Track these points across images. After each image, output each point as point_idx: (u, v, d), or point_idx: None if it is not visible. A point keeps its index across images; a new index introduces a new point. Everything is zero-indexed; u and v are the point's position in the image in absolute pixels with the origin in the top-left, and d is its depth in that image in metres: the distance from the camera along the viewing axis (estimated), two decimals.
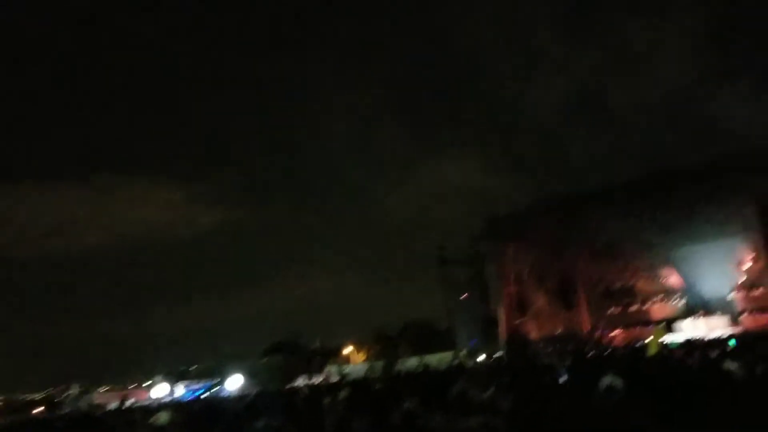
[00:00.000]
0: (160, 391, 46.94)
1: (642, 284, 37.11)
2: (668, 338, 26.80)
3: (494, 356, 34.09)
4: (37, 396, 58.48)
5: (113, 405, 35.50)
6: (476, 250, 40.34)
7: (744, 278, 33.18)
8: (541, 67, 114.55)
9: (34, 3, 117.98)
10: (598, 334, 35.35)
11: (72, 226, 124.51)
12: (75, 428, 15.04)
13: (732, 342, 17.85)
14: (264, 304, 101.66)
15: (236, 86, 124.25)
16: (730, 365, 8.45)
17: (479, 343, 38.24)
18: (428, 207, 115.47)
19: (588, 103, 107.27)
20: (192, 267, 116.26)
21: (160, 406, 21.82)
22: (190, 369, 56.28)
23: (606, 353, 19.68)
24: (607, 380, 6.06)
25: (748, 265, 33.18)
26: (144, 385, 56.58)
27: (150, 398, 44.74)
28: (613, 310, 36.93)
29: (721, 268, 33.12)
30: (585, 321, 37.73)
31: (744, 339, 19.58)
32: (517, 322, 37.47)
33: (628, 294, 37.30)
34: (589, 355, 18.82)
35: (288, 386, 35.41)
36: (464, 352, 38.19)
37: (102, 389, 58.49)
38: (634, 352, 18.98)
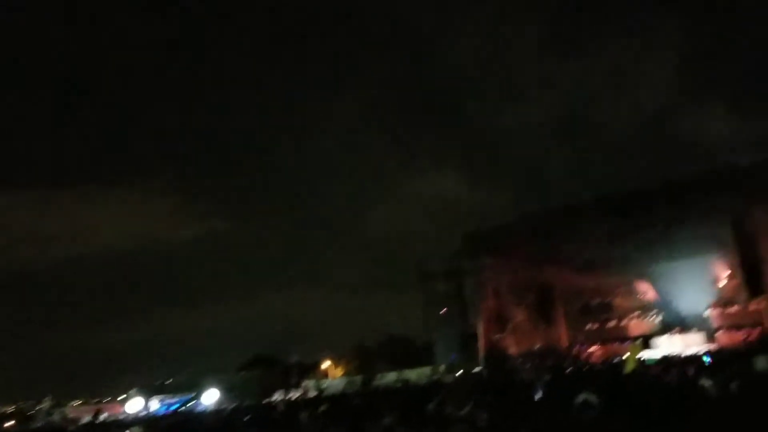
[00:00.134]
0: (135, 405, 46.26)
1: (619, 300, 37.33)
2: (645, 354, 26.97)
3: (473, 371, 34.06)
4: (9, 409, 57.27)
5: (86, 419, 34.87)
6: (456, 265, 40.36)
7: (719, 295, 33.54)
8: (523, 84, 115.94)
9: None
10: (576, 349, 35.51)
11: (54, 237, 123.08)
12: None
13: (706, 358, 18.05)
14: (243, 318, 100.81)
15: (221, 100, 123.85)
16: (705, 382, 8.54)
17: (458, 358, 38.13)
18: (410, 221, 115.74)
19: (569, 120, 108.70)
20: (172, 279, 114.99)
21: (134, 420, 21.51)
22: (167, 382, 55.48)
23: (584, 369, 19.78)
24: (582, 397, 6.09)
25: (723, 282, 33.50)
26: (118, 399, 55.73)
27: (124, 412, 44.07)
28: (591, 325, 37.08)
29: (697, 285, 33.44)
30: (563, 336, 37.89)
31: (719, 356, 19.84)
32: (496, 337, 37.50)
33: (606, 310, 37.50)
34: (568, 370, 18.89)
35: (265, 401, 35.12)
36: (443, 367, 38.09)
37: (75, 403, 57.50)
38: (612, 368, 19.10)
